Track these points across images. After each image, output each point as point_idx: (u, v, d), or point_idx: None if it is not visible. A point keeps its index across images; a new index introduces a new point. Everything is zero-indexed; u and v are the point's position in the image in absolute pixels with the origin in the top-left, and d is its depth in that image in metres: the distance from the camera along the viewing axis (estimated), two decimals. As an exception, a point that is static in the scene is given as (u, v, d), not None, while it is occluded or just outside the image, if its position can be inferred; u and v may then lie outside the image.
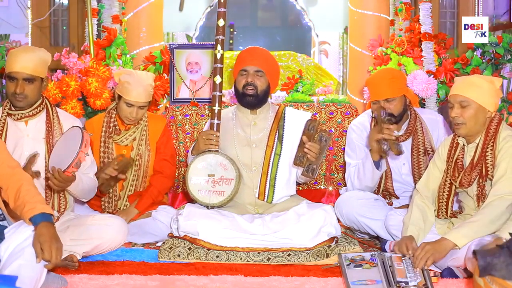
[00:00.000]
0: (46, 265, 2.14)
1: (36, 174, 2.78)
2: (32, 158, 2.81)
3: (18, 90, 2.79)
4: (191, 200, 3.20)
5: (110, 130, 3.27)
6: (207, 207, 3.07)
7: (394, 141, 2.93)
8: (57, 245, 2.14)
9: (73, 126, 2.79)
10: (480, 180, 2.63)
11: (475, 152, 2.67)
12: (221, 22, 3.13)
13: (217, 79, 3.12)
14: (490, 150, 2.62)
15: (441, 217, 2.78)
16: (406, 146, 3.17)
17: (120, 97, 3.23)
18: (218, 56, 3.12)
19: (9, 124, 2.87)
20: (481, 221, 2.50)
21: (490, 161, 2.61)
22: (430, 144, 3.19)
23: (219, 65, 3.12)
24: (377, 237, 3.15)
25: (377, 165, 3.04)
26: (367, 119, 3.33)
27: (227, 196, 3.02)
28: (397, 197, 3.21)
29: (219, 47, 3.12)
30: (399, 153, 2.93)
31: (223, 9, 3.14)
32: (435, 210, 2.80)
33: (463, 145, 2.73)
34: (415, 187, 2.91)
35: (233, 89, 3.99)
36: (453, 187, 2.73)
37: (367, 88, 3.37)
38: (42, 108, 2.92)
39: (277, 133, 3.17)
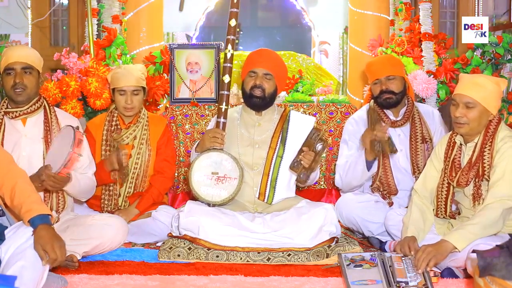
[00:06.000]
0: (52, 263, 2.11)
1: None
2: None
3: (17, 79, 2.79)
4: (192, 200, 3.20)
5: (112, 129, 3.28)
6: (209, 204, 3.06)
7: (387, 141, 2.96)
8: (60, 244, 2.13)
9: (66, 126, 2.73)
10: (476, 180, 2.64)
11: (473, 152, 2.67)
12: (232, 22, 3.15)
13: (226, 78, 3.14)
14: (487, 150, 2.62)
15: (440, 216, 2.78)
16: (405, 133, 3.24)
17: (114, 91, 3.27)
18: (228, 55, 3.15)
19: (7, 125, 2.86)
20: (481, 223, 2.49)
21: (487, 161, 2.61)
22: (428, 132, 3.23)
23: (228, 65, 3.15)
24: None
25: (369, 165, 3.06)
26: (365, 111, 3.36)
27: (230, 194, 3.03)
28: (396, 191, 3.20)
29: (229, 46, 3.14)
30: (393, 151, 2.98)
31: (235, 10, 3.16)
32: (433, 210, 2.80)
33: (460, 144, 2.73)
34: (413, 187, 2.90)
35: (234, 88, 4.01)
36: (451, 187, 2.73)
37: (367, 71, 3.40)
38: (40, 106, 2.91)
39: (280, 136, 3.17)
